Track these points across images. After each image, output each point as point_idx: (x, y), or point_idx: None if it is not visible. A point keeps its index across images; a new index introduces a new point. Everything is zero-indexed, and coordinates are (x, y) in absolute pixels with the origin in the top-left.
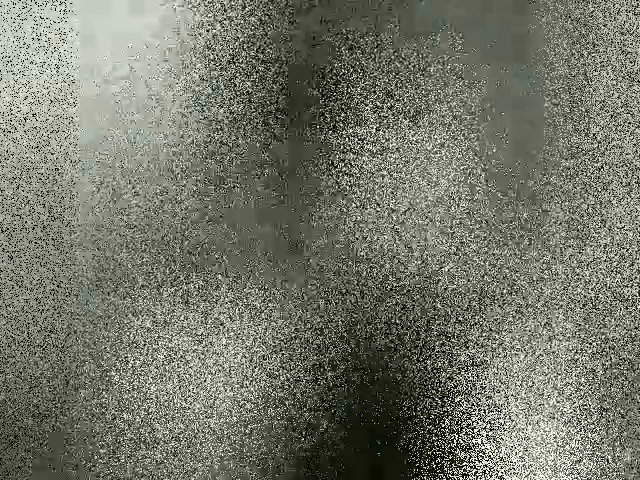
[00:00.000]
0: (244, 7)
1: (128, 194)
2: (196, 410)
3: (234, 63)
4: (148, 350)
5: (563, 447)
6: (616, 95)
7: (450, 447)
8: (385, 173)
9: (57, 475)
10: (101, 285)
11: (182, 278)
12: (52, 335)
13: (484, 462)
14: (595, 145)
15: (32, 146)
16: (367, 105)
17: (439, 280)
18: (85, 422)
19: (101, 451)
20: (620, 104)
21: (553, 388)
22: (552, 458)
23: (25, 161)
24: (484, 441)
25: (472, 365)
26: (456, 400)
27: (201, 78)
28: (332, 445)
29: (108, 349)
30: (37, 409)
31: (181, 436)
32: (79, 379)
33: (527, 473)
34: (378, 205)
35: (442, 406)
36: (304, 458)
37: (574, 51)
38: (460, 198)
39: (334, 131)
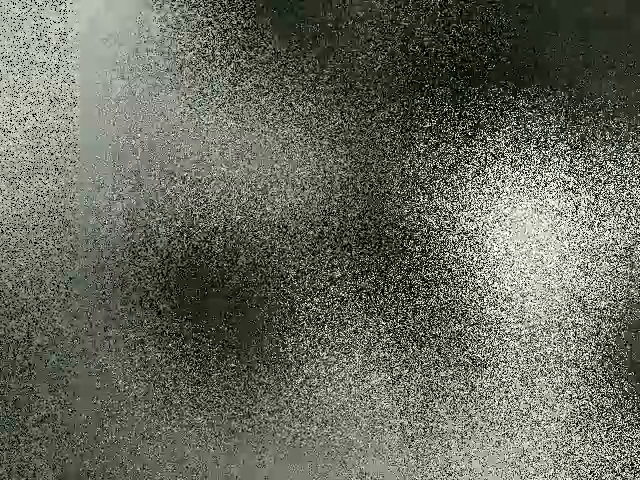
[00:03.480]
0: (244, 7)
1: (127, 194)
2: None
3: (234, 63)
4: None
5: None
6: None
7: None
8: None
9: (57, 475)
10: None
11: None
12: (52, 335)
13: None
14: None
15: (32, 146)
16: None
17: None
18: (85, 424)
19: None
20: None
21: None
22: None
23: (25, 161)
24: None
25: None
26: None
27: (201, 78)
28: None
29: (107, 348)
30: (37, 409)
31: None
32: (79, 379)
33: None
34: None
35: None
36: None
37: None
38: None
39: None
